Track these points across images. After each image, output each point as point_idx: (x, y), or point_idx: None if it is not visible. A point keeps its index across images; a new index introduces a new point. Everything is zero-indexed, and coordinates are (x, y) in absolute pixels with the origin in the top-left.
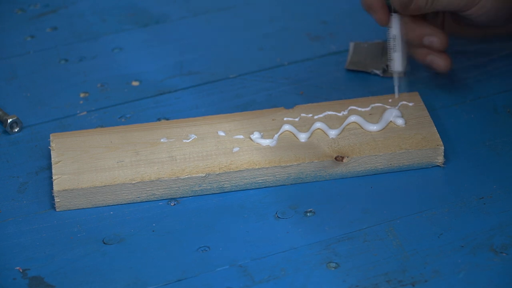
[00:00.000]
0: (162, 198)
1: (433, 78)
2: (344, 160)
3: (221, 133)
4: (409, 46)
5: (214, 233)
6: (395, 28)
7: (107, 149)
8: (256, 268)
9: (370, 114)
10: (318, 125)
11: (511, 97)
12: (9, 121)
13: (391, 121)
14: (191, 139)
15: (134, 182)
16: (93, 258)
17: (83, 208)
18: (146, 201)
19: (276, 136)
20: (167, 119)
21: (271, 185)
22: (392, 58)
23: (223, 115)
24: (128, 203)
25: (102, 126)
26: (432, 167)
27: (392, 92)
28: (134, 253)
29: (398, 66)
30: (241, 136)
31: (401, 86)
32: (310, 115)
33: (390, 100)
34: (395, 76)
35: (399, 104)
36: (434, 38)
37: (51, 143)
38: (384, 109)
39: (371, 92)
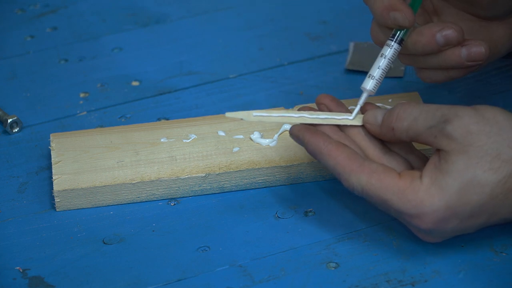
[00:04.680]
0: (162, 198)
1: None
2: None
3: (221, 133)
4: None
5: (214, 233)
6: (388, 50)
7: (107, 149)
8: (256, 268)
9: None
10: None
11: (511, 97)
12: (9, 121)
13: None
14: (191, 139)
15: (134, 182)
16: (93, 258)
17: (83, 208)
18: (146, 201)
19: (276, 136)
20: (167, 119)
21: (271, 185)
22: (372, 74)
23: (223, 115)
24: (128, 203)
25: (102, 126)
26: None
27: (392, 92)
28: (134, 253)
29: (371, 85)
30: (241, 136)
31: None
32: None
33: (390, 100)
34: (365, 94)
35: None
36: (448, 30)
37: (51, 143)
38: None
39: None
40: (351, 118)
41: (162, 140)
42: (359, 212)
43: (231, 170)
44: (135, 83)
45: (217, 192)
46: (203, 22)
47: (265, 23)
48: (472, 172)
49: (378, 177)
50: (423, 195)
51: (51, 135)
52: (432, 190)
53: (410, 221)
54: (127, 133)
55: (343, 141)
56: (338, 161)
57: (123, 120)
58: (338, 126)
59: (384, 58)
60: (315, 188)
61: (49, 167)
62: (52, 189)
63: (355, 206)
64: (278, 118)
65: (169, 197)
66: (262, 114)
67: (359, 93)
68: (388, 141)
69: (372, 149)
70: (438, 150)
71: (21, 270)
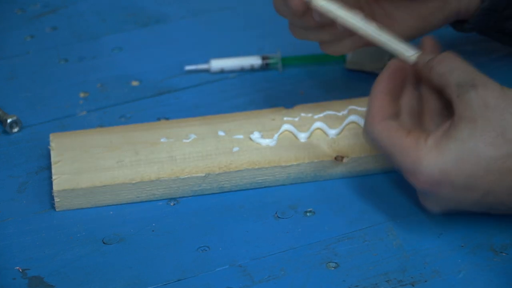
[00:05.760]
0: (162, 198)
1: None
2: (344, 160)
3: (221, 133)
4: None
5: (214, 233)
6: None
7: (107, 149)
8: (255, 268)
9: None
10: (318, 125)
11: None
12: (9, 121)
13: None
14: (191, 139)
15: (134, 182)
16: (93, 258)
17: (83, 208)
18: (146, 201)
19: (276, 136)
20: (167, 119)
21: (271, 185)
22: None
23: (223, 115)
24: (128, 203)
25: (102, 126)
26: None
27: None
28: (134, 253)
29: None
30: (241, 136)
31: None
32: (310, 115)
33: None
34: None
35: None
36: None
37: (51, 143)
38: None
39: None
40: (409, 55)
41: (162, 140)
42: (359, 212)
43: (231, 170)
44: (135, 83)
45: (217, 192)
46: (203, 22)
47: (265, 23)
48: (473, 143)
49: (389, 133)
50: (423, 155)
51: (51, 135)
52: (432, 151)
53: (408, 178)
54: (127, 133)
55: (408, 89)
56: (372, 106)
57: (123, 120)
58: (418, 79)
59: None
60: (315, 188)
61: (49, 167)
62: (52, 189)
63: (355, 206)
64: (341, 18)
65: (169, 197)
66: (329, 5)
67: (359, 93)
68: (420, 79)
69: (431, 106)
70: (452, 117)
71: (20, 270)
